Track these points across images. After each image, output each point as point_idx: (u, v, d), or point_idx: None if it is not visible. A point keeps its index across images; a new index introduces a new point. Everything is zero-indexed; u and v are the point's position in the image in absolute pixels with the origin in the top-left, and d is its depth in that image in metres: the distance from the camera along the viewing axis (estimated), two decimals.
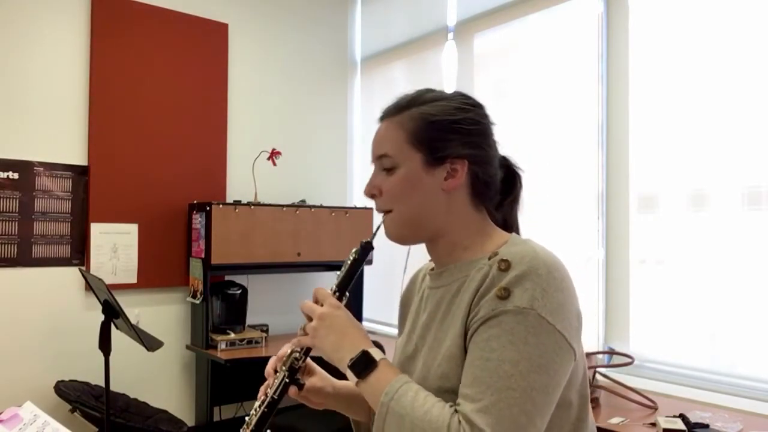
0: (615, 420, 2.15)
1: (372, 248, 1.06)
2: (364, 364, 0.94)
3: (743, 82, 2.40)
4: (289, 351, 1.07)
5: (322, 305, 1.02)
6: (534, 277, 0.88)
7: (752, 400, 2.31)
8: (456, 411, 0.85)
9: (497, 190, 1.05)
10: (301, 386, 1.09)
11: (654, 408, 2.29)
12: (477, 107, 1.04)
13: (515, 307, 0.86)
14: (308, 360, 1.12)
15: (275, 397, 1.05)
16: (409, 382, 0.92)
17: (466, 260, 1.01)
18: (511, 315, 0.86)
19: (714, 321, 2.46)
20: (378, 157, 1.03)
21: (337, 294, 1.04)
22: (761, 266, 2.33)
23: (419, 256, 1.10)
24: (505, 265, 0.90)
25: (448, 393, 0.91)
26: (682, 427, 2.03)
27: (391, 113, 1.04)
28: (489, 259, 0.95)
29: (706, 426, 2.05)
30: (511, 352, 0.85)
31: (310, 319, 1.01)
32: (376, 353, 0.96)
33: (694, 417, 2.11)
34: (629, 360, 2.57)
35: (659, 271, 2.66)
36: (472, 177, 1.01)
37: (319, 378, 1.16)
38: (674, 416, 2.12)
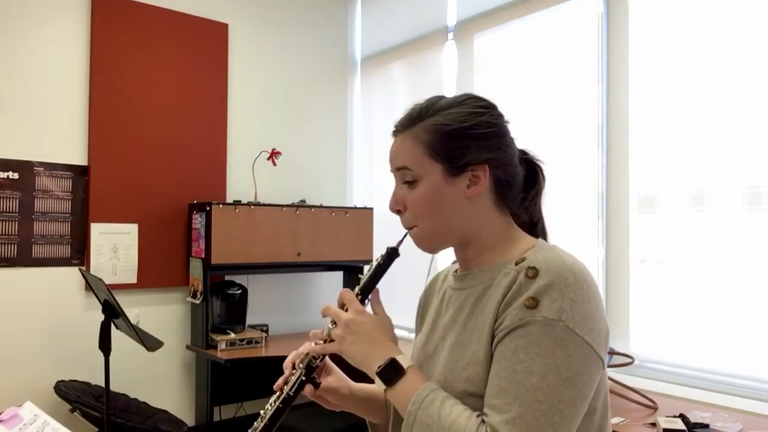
0: (615, 420, 2.15)
1: (398, 255, 1.05)
2: (391, 373, 0.95)
3: (743, 82, 2.40)
4: (310, 353, 1.07)
5: (346, 309, 1.02)
6: (562, 286, 0.87)
7: (752, 400, 2.31)
8: (483, 421, 0.86)
9: (520, 188, 1.05)
10: (317, 385, 1.09)
11: (654, 408, 2.29)
12: (490, 109, 1.02)
13: (543, 318, 0.86)
14: (326, 359, 1.13)
15: (291, 393, 1.06)
16: (435, 390, 0.92)
17: (492, 264, 1.00)
18: (538, 326, 0.86)
19: (714, 321, 2.46)
20: (397, 169, 1.02)
21: (360, 297, 1.04)
22: (761, 266, 2.33)
23: (443, 259, 1.10)
24: (533, 273, 0.89)
25: (473, 397, 0.91)
26: (682, 427, 2.03)
27: (405, 126, 1.02)
28: (516, 264, 0.94)
29: (706, 426, 2.05)
30: (538, 365, 0.84)
31: (334, 323, 1.01)
32: (403, 360, 0.96)
33: (694, 417, 2.10)
34: (629, 360, 2.57)
35: (659, 271, 2.66)
36: (494, 180, 1.00)
37: (336, 378, 1.15)
38: (674, 416, 2.12)
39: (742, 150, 2.39)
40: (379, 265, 1.05)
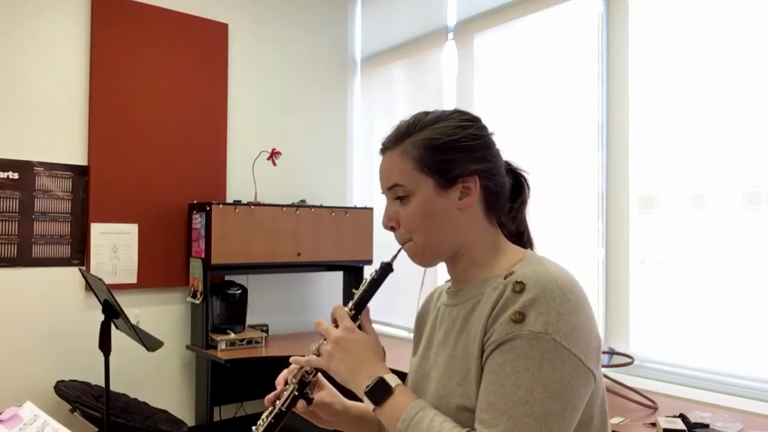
0: (615, 420, 2.15)
1: (392, 270, 1.06)
2: (380, 392, 0.95)
3: (743, 83, 2.40)
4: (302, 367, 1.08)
5: (337, 326, 1.02)
6: (548, 300, 0.87)
7: (752, 400, 2.31)
8: None
9: (507, 198, 1.06)
10: (309, 400, 1.09)
11: (654, 408, 2.29)
12: (475, 122, 1.04)
13: (529, 332, 0.86)
14: (318, 375, 1.13)
15: (283, 408, 1.06)
16: (425, 407, 0.92)
17: (483, 278, 1.01)
18: (525, 339, 0.86)
19: (714, 321, 2.46)
20: (389, 188, 1.03)
21: (353, 312, 1.04)
22: (761, 266, 2.33)
23: (433, 271, 1.10)
24: (520, 287, 0.90)
25: (468, 411, 0.91)
26: (682, 427, 2.03)
27: (393, 143, 1.03)
28: (505, 278, 0.95)
29: (706, 426, 2.05)
30: (525, 378, 0.85)
31: (326, 339, 1.02)
32: (391, 379, 0.97)
33: (694, 417, 2.10)
34: (629, 360, 2.58)
35: (659, 271, 2.66)
36: (484, 191, 1.02)
37: (329, 393, 1.15)
38: (674, 416, 2.12)
39: (741, 150, 2.39)
40: (373, 280, 1.06)
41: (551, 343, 0.85)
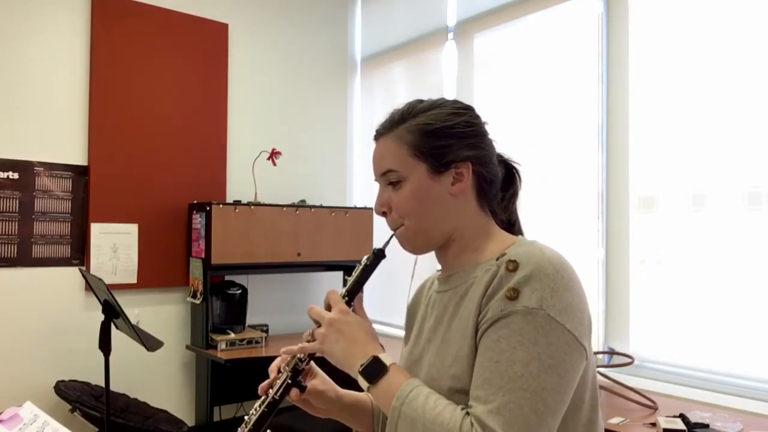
0: (615, 420, 2.15)
1: (384, 256, 1.06)
2: (374, 370, 0.95)
3: (743, 83, 2.40)
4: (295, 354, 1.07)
5: (330, 310, 1.02)
6: (542, 276, 0.88)
7: (752, 400, 2.31)
8: (468, 413, 0.86)
9: (499, 187, 1.07)
10: (303, 388, 1.08)
11: (654, 408, 2.30)
12: (469, 110, 1.05)
13: (524, 308, 0.87)
14: (311, 364, 1.12)
15: (276, 397, 1.05)
16: (419, 385, 0.93)
17: (474, 263, 1.01)
18: (520, 315, 0.87)
19: (714, 321, 2.46)
20: (382, 174, 1.04)
21: (347, 299, 1.04)
22: (761, 266, 2.33)
23: (425, 261, 1.10)
24: (513, 266, 0.91)
25: (460, 393, 0.91)
26: (682, 427, 2.04)
27: (387, 129, 1.04)
28: (497, 259, 0.95)
29: (706, 426, 2.05)
30: (521, 353, 0.85)
31: (318, 324, 1.02)
32: (386, 358, 0.97)
33: (694, 417, 2.11)
34: (629, 360, 2.58)
35: (659, 271, 2.66)
36: (477, 177, 1.02)
37: (321, 381, 1.15)
38: (674, 416, 2.12)
39: (742, 150, 2.39)
40: (365, 267, 1.06)
41: (546, 318, 0.86)
